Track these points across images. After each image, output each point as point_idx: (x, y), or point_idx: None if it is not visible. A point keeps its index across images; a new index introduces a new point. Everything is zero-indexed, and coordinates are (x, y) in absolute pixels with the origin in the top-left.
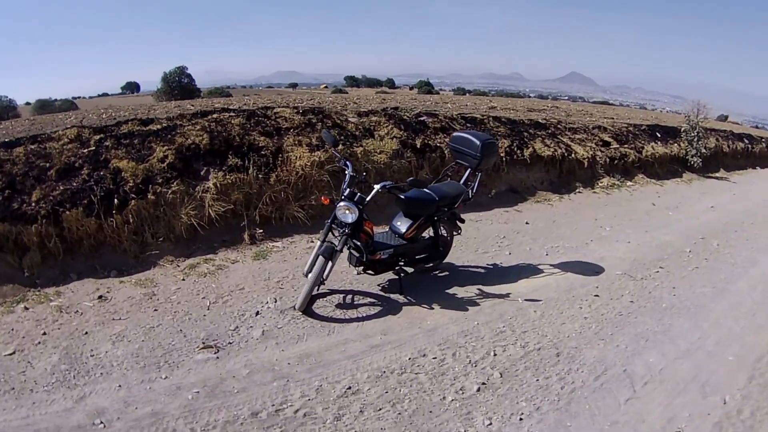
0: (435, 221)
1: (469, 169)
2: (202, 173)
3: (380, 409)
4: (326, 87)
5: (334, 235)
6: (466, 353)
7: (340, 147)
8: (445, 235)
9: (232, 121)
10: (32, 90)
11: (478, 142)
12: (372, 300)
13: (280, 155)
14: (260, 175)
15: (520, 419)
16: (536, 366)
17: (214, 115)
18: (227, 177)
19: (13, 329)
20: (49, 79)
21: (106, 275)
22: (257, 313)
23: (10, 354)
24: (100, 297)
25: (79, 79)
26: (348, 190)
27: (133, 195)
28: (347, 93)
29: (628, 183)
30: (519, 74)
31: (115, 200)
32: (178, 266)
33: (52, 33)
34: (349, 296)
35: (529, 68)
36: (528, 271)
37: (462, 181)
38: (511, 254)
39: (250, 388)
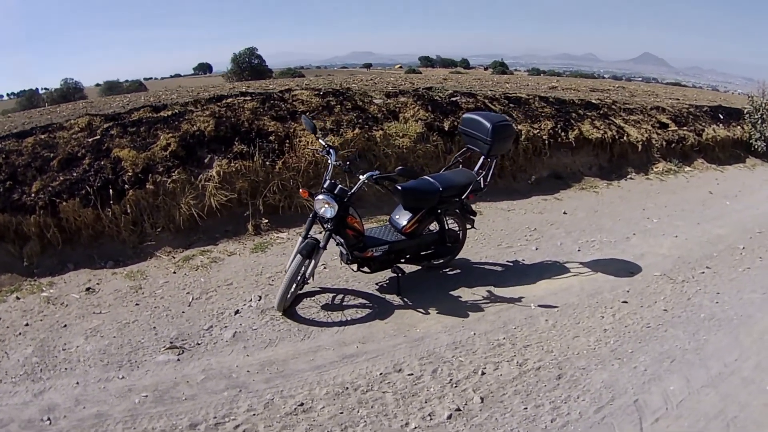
0: (439, 214)
1: (483, 156)
2: (206, 161)
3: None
4: (401, 67)
5: (324, 228)
6: (449, 370)
7: (357, 131)
8: (456, 229)
9: (245, 106)
10: (108, 71)
11: (488, 125)
12: (363, 301)
13: (287, 141)
14: (267, 162)
15: None
16: (529, 390)
17: (229, 100)
18: (232, 164)
19: (1, 318)
20: (123, 61)
21: (102, 266)
22: (237, 312)
23: None
24: (88, 289)
25: (152, 60)
26: (328, 181)
27: (131, 185)
28: (420, 73)
29: (686, 168)
30: (593, 55)
31: (110, 190)
32: (174, 258)
33: (127, 13)
34: (340, 296)
35: (602, 49)
36: (552, 270)
37: (476, 169)
38: (538, 249)
39: (199, 396)
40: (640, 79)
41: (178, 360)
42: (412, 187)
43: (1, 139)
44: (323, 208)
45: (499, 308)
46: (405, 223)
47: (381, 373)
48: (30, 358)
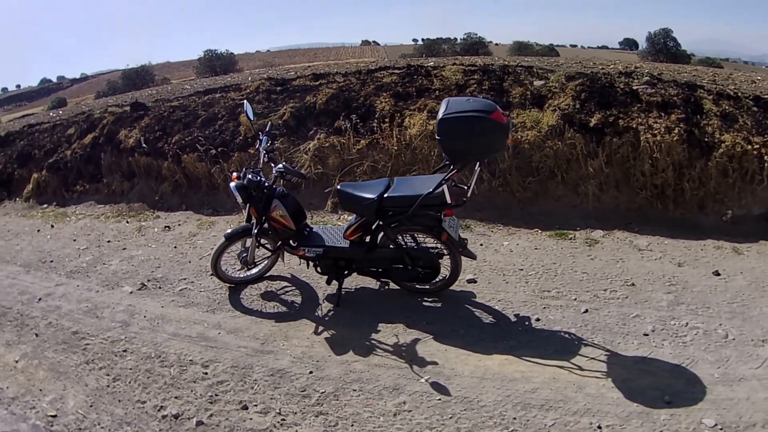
0: (384, 227)
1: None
2: (310, 133)
3: (116, 380)
4: None
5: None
6: (224, 389)
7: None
8: (445, 253)
9: (384, 80)
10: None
11: (440, 114)
12: (297, 300)
13: (380, 120)
14: (362, 141)
15: None
16: None
17: (377, 74)
18: (328, 139)
19: (102, 233)
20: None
21: (201, 211)
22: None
23: (80, 248)
24: (165, 227)
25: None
26: (244, 169)
27: (239, 148)
28: None
29: None
30: None
31: (213, 151)
32: None
33: None
34: (291, 289)
35: None
36: (565, 350)
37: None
38: (587, 313)
39: (104, 319)
40: None
41: (131, 293)
42: (345, 188)
43: (193, 94)
44: (236, 195)
45: (385, 362)
46: (346, 227)
47: (191, 360)
48: (85, 262)
